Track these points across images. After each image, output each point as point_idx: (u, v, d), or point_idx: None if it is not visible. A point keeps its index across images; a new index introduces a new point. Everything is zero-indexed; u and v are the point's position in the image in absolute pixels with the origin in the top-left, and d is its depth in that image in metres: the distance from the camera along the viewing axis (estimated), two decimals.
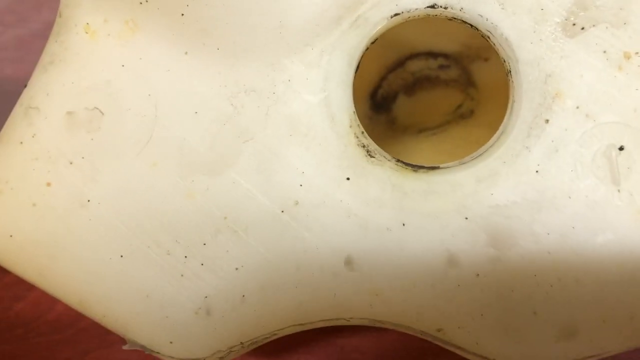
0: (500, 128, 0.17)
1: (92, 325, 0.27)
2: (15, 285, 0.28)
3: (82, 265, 0.18)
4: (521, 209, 0.16)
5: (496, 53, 0.25)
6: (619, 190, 0.16)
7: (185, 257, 0.17)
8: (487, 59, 0.28)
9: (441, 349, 0.25)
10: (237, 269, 0.17)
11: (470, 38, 0.28)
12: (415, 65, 0.30)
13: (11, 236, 0.18)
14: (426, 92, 0.30)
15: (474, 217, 0.16)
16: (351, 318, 0.18)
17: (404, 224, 0.17)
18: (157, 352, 0.18)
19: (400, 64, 0.30)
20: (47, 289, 0.19)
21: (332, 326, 0.25)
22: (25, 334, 0.27)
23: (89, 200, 0.18)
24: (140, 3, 0.18)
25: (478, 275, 0.16)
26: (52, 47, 0.19)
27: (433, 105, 0.29)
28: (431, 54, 0.29)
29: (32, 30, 0.36)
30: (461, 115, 0.29)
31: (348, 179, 0.17)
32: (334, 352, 0.26)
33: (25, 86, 0.20)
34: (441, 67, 0.29)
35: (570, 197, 0.16)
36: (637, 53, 0.16)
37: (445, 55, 0.29)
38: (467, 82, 0.29)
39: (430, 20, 0.22)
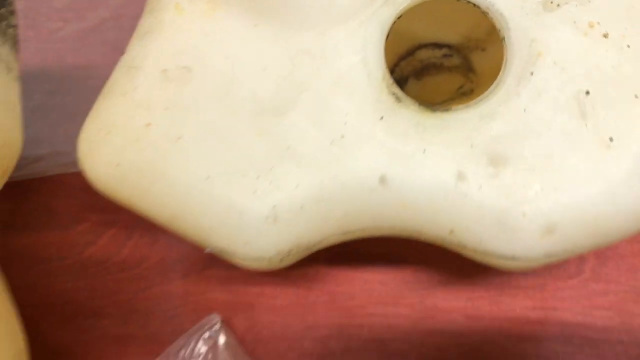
0: (497, 79, 0.22)
1: (153, 265, 0.32)
2: (87, 233, 0.33)
3: (175, 187, 0.23)
4: (513, 138, 0.22)
5: (493, 43, 0.31)
6: (585, 124, 0.22)
7: (257, 177, 0.23)
8: (484, 49, 0.34)
9: (448, 279, 0.30)
10: (297, 186, 0.23)
11: (470, 31, 0.33)
12: (423, 54, 0.35)
13: (117, 165, 0.24)
14: (432, 77, 0.35)
15: (477, 144, 0.22)
16: (383, 227, 0.23)
17: (424, 151, 0.22)
18: (233, 254, 0.23)
19: (410, 53, 0.35)
20: (145, 209, 0.24)
21: (358, 264, 0.30)
22: (98, 272, 0.32)
23: (180, 136, 0.23)
24: None
25: (480, 187, 0.22)
26: (148, 21, 0.25)
27: (438, 87, 0.34)
28: (437, 45, 0.35)
29: (88, 25, 0.41)
30: (463, 93, 0.34)
31: (382, 118, 0.23)
32: (359, 284, 0.31)
33: (124, 53, 0.25)
34: (445, 56, 0.35)
35: (549, 129, 0.22)
36: (598, 23, 0.22)
37: (448, 46, 0.34)
38: (468, 68, 0.35)
39: (439, 10, 0.27)
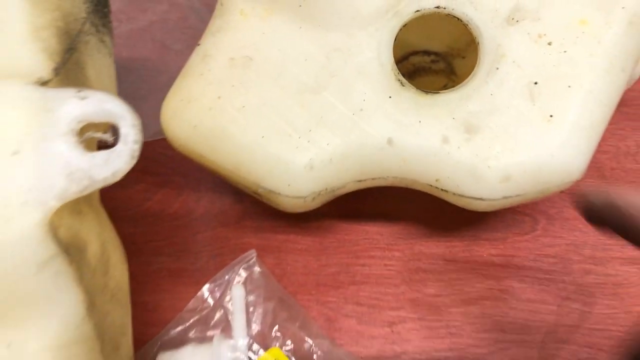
0: (473, 72, 0.31)
1: (199, 216, 0.40)
2: (145, 191, 0.41)
3: (238, 144, 0.32)
4: (483, 114, 0.31)
5: (471, 52, 0.39)
6: (533, 105, 0.31)
7: (299, 137, 0.31)
8: (464, 57, 0.42)
9: (431, 232, 0.39)
10: (327, 144, 0.31)
11: (453, 43, 0.42)
12: (416, 59, 0.44)
13: (195, 126, 0.32)
14: (422, 77, 0.44)
15: (457, 118, 0.31)
16: (387, 177, 0.32)
17: (420, 122, 0.31)
18: (278, 193, 0.32)
19: (405, 58, 0.44)
20: (214, 161, 0.32)
21: (361, 219, 0.39)
22: (154, 221, 0.40)
23: (243, 106, 0.32)
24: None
25: (459, 147, 0.31)
26: (218, 22, 0.33)
27: (427, 85, 0.43)
28: (426, 52, 0.44)
29: (139, 26, 0.50)
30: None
31: (390, 97, 0.31)
32: (361, 234, 0.40)
33: (198, 44, 0.34)
34: (433, 61, 0.43)
35: (508, 108, 0.31)
36: (545, 34, 0.31)
37: (436, 54, 0.43)
38: (450, 71, 0.44)
39: (431, 20, 0.36)
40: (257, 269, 0.37)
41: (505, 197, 0.31)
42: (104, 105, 0.22)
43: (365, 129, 0.31)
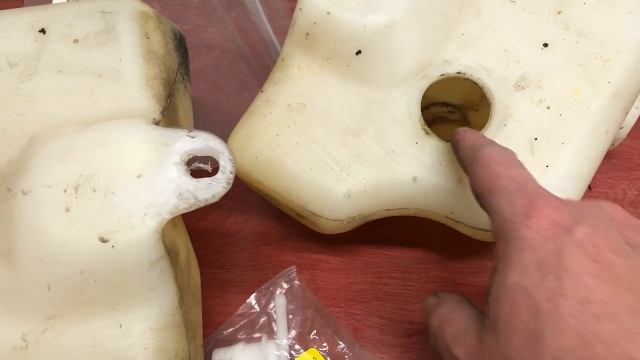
0: (485, 127, 0.39)
1: (246, 235, 0.47)
2: (200, 211, 0.48)
3: (290, 173, 0.38)
4: None
5: (484, 106, 0.46)
6: (533, 157, 0.37)
7: (340, 171, 0.38)
8: (477, 110, 0.49)
9: (444, 259, 0.45)
10: (363, 178, 0.38)
11: (468, 97, 0.50)
12: (435, 109, 0.50)
13: (256, 157, 0.39)
14: (440, 126, 0.51)
15: None
16: (411, 208, 0.39)
17: (440, 164, 0.38)
18: (320, 215, 0.39)
19: (426, 107, 0.51)
20: (270, 186, 0.39)
21: (384, 245, 0.45)
22: (207, 237, 0.47)
23: (296, 143, 0.39)
24: (328, 59, 0.39)
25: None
26: (279, 74, 0.41)
27: (445, 133, 0.48)
28: (445, 104, 0.50)
29: (195, 68, 0.57)
30: None
31: (416, 143, 0.39)
32: (384, 258, 0.46)
33: (262, 91, 0.41)
34: (450, 112, 0.50)
35: None
36: (545, 99, 0.38)
37: (453, 105, 0.50)
38: (465, 122, 0.50)
39: (453, 81, 0.43)
40: (296, 282, 0.44)
41: None
42: (209, 142, 0.29)
43: (395, 168, 0.38)
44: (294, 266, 0.45)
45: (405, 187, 0.38)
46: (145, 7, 0.35)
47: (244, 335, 0.41)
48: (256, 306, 0.43)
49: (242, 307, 0.43)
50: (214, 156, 0.30)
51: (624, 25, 0.38)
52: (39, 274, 0.28)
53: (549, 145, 0.37)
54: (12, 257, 0.29)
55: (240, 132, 0.40)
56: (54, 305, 0.29)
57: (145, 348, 0.29)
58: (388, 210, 0.40)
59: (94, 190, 0.28)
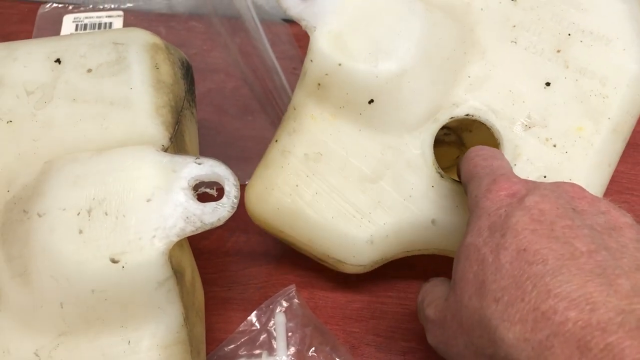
0: None
1: (247, 254, 0.49)
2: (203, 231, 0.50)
3: (312, 223, 0.39)
4: None
5: (477, 127, 0.48)
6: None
7: (361, 218, 0.39)
8: (471, 131, 0.50)
9: None
10: (384, 223, 0.39)
11: (462, 119, 0.51)
12: None
13: (277, 209, 0.40)
14: (437, 148, 0.53)
15: None
16: (429, 249, 0.41)
17: (456, 206, 0.39)
18: (345, 262, 0.40)
19: None
20: (292, 235, 0.40)
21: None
22: (209, 257, 0.49)
23: (316, 193, 0.39)
24: (341, 107, 0.40)
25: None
26: (292, 124, 0.41)
27: (442, 156, 0.44)
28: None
29: (200, 92, 0.56)
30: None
31: (433, 186, 0.39)
32: (381, 277, 0.47)
33: (276, 141, 0.42)
34: (445, 134, 0.49)
35: None
36: (551, 138, 0.39)
37: (448, 128, 0.50)
38: (460, 143, 0.51)
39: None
40: (296, 300, 0.45)
41: None
42: (214, 169, 0.31)
43: (414, 212, 0.40)
44: (294, 285, 0.46)
45: (425, 230, 0.40)
46: (156, 39, 0.37)
47: (245, 352, 0.43)
48: (257, 324, 0.44)
49: (243, 324, 0.44)
50: (219, 182, 0.31)
51: (619, 62, 0.39)
52: (52, 292, 0.30)
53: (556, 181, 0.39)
54: (26, 275, 0.30)
55: (259, 184, 0.41)
56: (66, 322, 0.30)
57: None
58: (408, 252, 0.41)
59: (106, 214, 0.30)
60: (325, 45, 0.39)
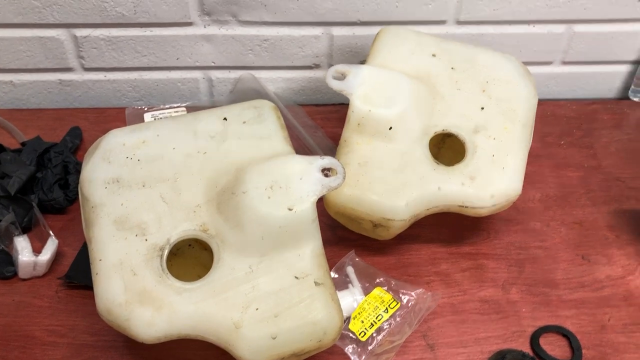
0: (464, 157, 0.70)
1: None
2: None
3: (372, 199, 0.68)
4: (474, 169, 0.69)
5: (450, 136, 0.79)
6: (493, 164, 0.69)
7: (398, 192, 0.68)
8: (450, 136, 0.82)
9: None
10: (412, 193, 0.69)
11: (441, 133, 0.82)
12: None
13: (349, 195, 0.69)
14: (435, 150, 0.84)
15: (465, 174, 0.69)
16: (438, 206, 0.70)
17: (449, 178, 0.69)
18: (394, 219, 0.68)
19: None
20: (361, 209, 0.68)
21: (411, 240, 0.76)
22: None
23: (370, 182, 0.69)
24: (373, 135, 0.71)
25: (469, 186, 0.69)
26: (345, 149, 0.71)
27: (440, 156, 0.82)
28: None
29: None
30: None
31: (434, 169, 0.69)
32: (414, 251, 0.76)
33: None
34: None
35: (485, 165, 0.69)
36: (491, 136, 0.71)
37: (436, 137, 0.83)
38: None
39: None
40: (357, 259, 0.72)
41: (493, 205, 0.69)
42: (331, 161, 0.59)
43: (428, 185, 0.68)
44: (353, 250, 0.74)
45: (435, 194, 0.69)
46: (274, 104, 0.67)
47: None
48: (334, 274, 0.71)
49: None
50: (334, 167, 0.59)
51: (516, 91, 0.73)
52: (256, 232, 0.57)
53: (501, 157, 0.69)
54: (241, 226, 0.57)
55: None
56: (265, 248, 0.57)
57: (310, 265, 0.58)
58: (428, 209, 0.70)
59: (280, 187, 0.57)
60: (359, 102, 0.71)
